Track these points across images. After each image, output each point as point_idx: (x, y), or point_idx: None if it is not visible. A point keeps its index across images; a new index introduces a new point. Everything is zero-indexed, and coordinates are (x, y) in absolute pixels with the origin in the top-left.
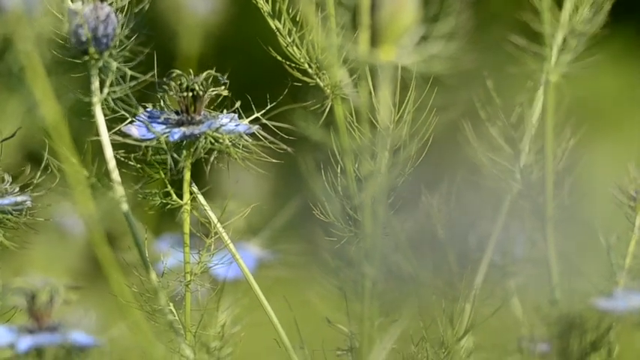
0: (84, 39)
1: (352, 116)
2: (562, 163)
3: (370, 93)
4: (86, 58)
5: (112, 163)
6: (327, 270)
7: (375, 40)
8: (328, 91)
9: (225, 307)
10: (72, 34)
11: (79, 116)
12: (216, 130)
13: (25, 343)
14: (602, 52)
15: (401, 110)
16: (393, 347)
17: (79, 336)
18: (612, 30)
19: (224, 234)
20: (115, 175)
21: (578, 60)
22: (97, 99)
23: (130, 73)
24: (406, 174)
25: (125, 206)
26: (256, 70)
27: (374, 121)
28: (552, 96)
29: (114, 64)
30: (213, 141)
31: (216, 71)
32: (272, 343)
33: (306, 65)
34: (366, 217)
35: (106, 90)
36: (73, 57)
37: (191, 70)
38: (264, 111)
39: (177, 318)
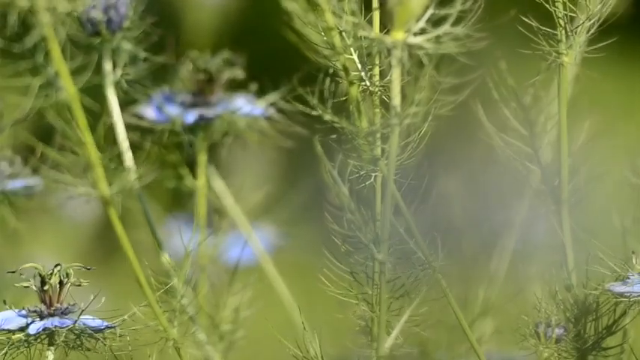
0: (96, 20)
1: (365, 98)
2: (578, 146)
3: (383, 74)
4: (98, 39)
5: (124, 145)
6: (337, 254)
7: (387, 21)
8: (343, 73)
9: (238, 289)
10: (84, 14)
11: (94, 95)
12: (232, 112)
13: (36, 326)
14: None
15: (415, 92)
16: (409, 330)
17: (89, 319)
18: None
19: (237, 218)
20: (129, 157)
21: (592, 43)
22: (109, 81)
23: (142, 55)
24: (420, 156)
25: (138, 188)
26: (274, 51)
27: (387, 102)
28: (566, 77)
29: (127, 46)
30: (228, 123)
31: (232, 52)
32: (286, 325)
33: (321, 47)
34: (376, 200)
35: (119, 72)
36: (85, 38)
37: (207, 52)
38: (280, 94)
39: (191, 299)
